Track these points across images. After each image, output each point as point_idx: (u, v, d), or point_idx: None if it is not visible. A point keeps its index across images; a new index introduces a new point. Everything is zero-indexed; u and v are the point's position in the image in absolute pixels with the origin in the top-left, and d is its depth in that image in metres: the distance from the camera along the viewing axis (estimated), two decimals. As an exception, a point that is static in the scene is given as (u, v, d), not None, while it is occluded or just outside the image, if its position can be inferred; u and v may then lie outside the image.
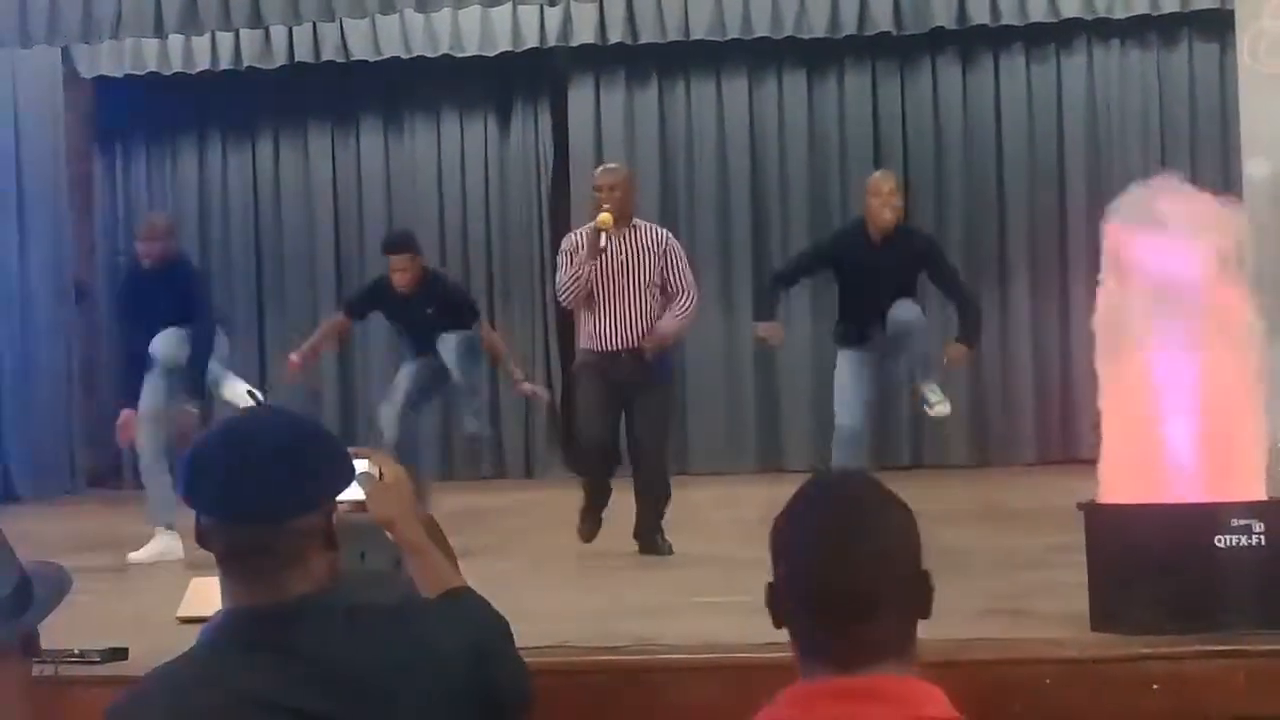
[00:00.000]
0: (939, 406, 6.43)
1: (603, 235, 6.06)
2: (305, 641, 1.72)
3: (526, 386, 7.48)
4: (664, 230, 6.55)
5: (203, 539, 1.79)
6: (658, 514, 6.23)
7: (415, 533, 2.11)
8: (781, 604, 1.58)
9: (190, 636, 1.83)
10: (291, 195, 10.50)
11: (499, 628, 1.99)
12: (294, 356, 7.17)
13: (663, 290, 6.28)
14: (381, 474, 2.10)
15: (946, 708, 1.55)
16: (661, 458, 6.34)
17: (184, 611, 4.62)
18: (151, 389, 6.54)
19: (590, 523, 6.28)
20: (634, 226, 6.27)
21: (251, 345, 10.32)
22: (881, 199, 6.36)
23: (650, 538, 6.18)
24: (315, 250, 10.45)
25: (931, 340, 6.74)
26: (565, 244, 6.40)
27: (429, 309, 6.74)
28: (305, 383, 7.90)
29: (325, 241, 10.44)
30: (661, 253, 6.26)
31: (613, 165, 6.77)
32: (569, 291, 6.24)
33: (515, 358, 7.85)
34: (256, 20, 8.57)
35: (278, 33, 9.57)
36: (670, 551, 6.12)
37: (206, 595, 4.39)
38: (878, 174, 6.86)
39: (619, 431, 6.35)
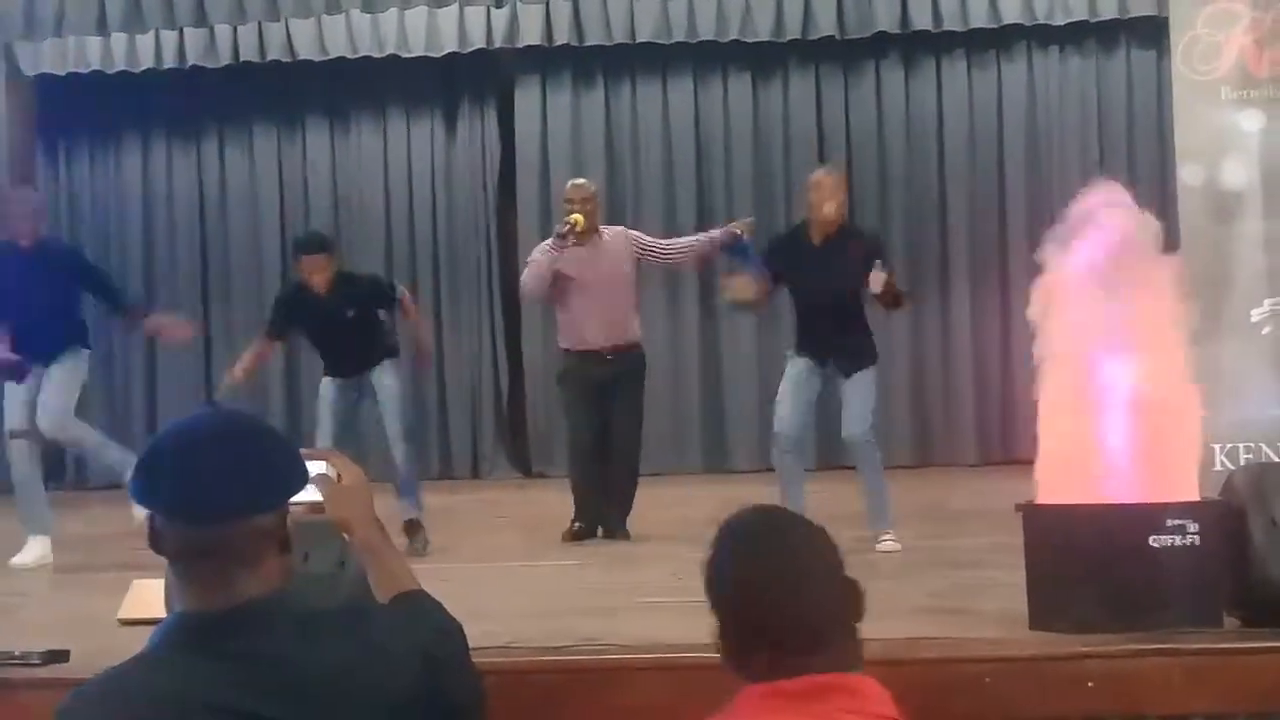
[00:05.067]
0: (888, 543, 6.15)
1: (567, 230, 6.55)
2: (257, 645, 1.73)
3: (423, 364, 7.42)
4: (619, 227, 7.12)
5: (155, 541, 1.79)
6: (628, 501, 6.70)
7: (372, 534, 2.13)
8: (735, 648, 1.62)
9: (130, 638, 1.83)
10: (237, 196, 10.45)
11: (452, 632, 2.02)
12: (226, 378, 7.01)
13: (639, 282, 6.92)
14: (340, 476, 2.12)
15: (894, 710, 1.60)
16: (637, 451, 6.84)
17: (125, 613, 4.60)
18: (21, 403, 6.41)
19: (585, 522, 6.56)
20: (601, 235, 6.77)
21: (197, 345, 10.26)
22: (821, 194, 6.28)
23: (619, 525, 6.63)
24: (261, 250, 10.40)
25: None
26: (534, 254, 6.85)
27: (349, 311, 6.61)
28: (240, 394, 7.64)
29: (271, 242, 10.39)
30: (630, 249, 6.82)
31: (581, 180, 7.10)
32: (531, 285, 6.74)
33: (427, 335, 7.86)
34: (201, 19, 8.56)
35: (222, 32, 9.52)
36: (629, 538, 6.54)
37: (147, 597, 4.37)
38: (820, 170, 6.79)
39: (605, 428, 6.70)
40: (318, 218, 10.30)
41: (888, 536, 5.96)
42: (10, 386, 6.49)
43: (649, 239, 7.08)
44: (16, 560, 6.24)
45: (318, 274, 6.57)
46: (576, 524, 6.62)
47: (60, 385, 6.42)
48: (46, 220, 7.05)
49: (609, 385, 6.67)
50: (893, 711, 1.60)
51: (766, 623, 1.60)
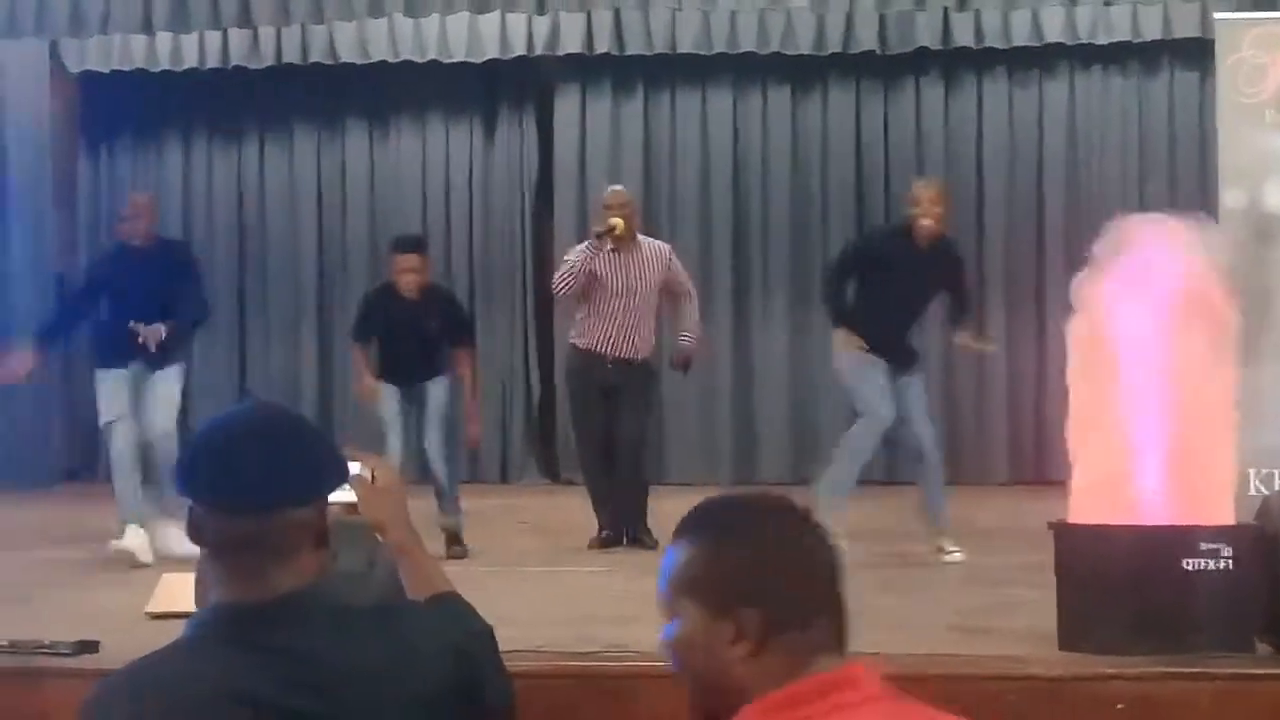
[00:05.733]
0: (954, 555, 6.26)
1: (606, 231, 6.59)
2: (292, 639, 1.74)
3: (473, 433, 7.09)
4: (664, 244, 7.13)
5: (195, 530, 1.80)
6: (641, 508, 6.65)
7: (406, 536, 2.15)
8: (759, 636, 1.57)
9: (160, 631, 1.84)
10: (276, 197, 10.51)
11: (483, 633, 2.03)
12: (359, 388, 6.98)
13: (664, 298, 6.89)
14: (374, 477, 2.13)
15: (881, 687, 1.58)
16: (640, 453, 6.80)
17: (153, 607, 4.64)
18: (125, 389, 6.51)
19: (611, 529, 6.62)
20: (637, 244, 6.79)
21: (233, 346, 10.34)
22: (921, 208, 6.42)
23: (637, 532, 6.60)
24: (299, 253, 10.46)
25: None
26: (570, 254, 6.88)
27: (433, 321, 6.64)
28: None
29: (308, 244, 10.45)
30: (665, 265, 6.83)
31: (619, 187, 7.14)
32: (565, 282, 6.73)
33: (479, 399, 7.31)
34: (246, 20, 8.60)
35: (266, 33, 9.58)
36: (655, 546, 6.35)
37: (176, 591, 4.40)
38: (919, 182, 6.93)
39: (610, 432, 6.73)
40: (355, 221, 10.35)
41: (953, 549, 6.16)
42: (113, 380, 6.53)
43: (682, 272, 6.99)
44: (116, 544, 6.26)
45: (410, 274, 6.60)
46: (604, 532, 6.63)
47: (172, 397, 6.58)
48: (158, 219, 7.14)
49: (612, 392, 6.68)
50: (878, 690, 1.57)
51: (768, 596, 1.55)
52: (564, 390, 7.76)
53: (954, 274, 6.67)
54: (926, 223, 6.33)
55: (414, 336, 6.62)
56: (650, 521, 6.61)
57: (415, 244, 6.90)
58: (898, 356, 6.38)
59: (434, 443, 6.59)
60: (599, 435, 6.73)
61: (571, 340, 6.95)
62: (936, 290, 6.69)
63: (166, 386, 6.56)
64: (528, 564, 6.24)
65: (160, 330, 6.47)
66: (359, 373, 6.90)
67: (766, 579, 1.55)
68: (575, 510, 7.18)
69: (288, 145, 10.49)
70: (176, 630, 1.83)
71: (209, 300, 7.23)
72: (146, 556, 6.17)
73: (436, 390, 6.64)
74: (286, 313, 10.39)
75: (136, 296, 6.55)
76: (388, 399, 6.67)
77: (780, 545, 1.58)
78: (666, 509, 6.94)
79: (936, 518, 6.31)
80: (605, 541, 6.61)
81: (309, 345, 10.37)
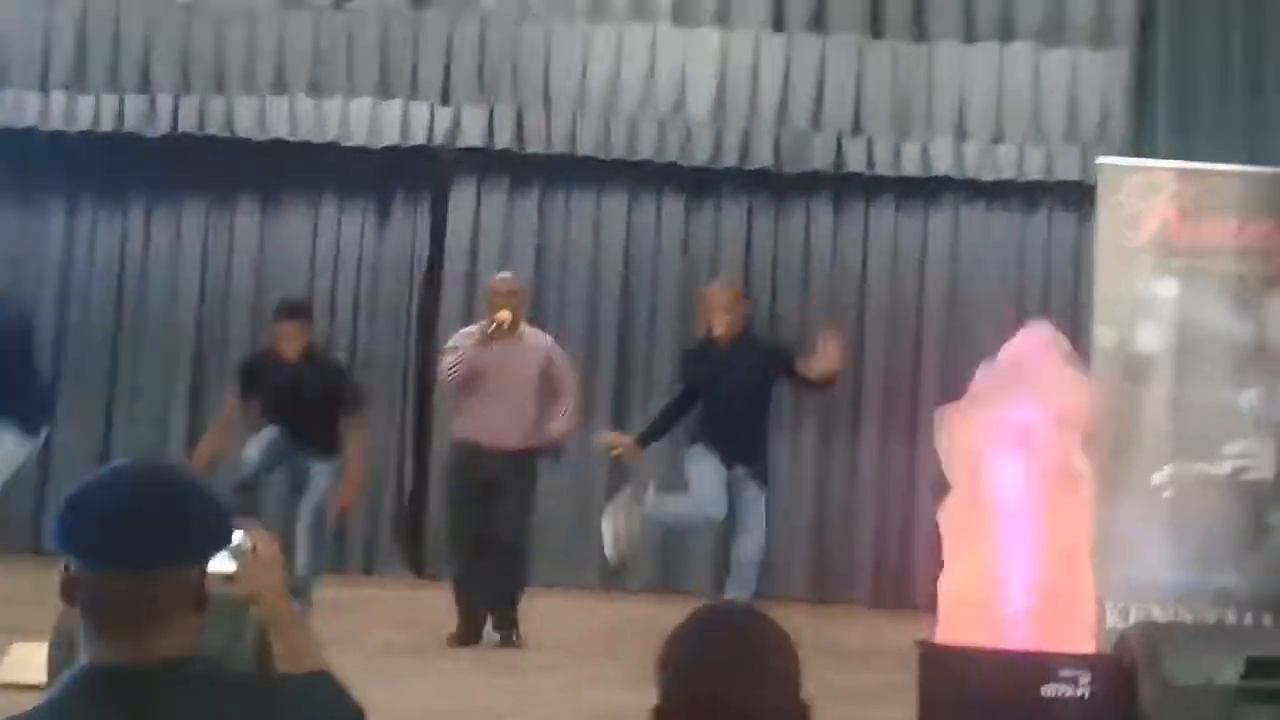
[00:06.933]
0: None
1: (495, 327, 6.62)
2: (165, 703, 1.70)
3: (345, 503, 7.11)
4: (548, 336, 7.11)
5: (68, 589, 1.75)
6: (513, 605, 6.63)
7: (283, 609, 2.11)
8: None
9: (10, 703, 1.78)
10: (158, 268, 10.33)
11: (357, 714, 2.00)
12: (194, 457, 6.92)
13: (545, 392, 6.82)
14: (255, 546, 2.10)
15: None
16: (520, 549, 6.79)
17: (3, 677, 4.48)
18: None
19: (467, 624, 6.49)
20: (521, 334, 6.81)
21: (99, 415, 10.09)
22: (713, 315, 6.59)
23: (506, 630, 6.58)
24: (176, 326, 10.26)
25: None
26: (454, 340, 6.88)
27: (312, 389, 6.59)
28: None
29: (187, 318, 10.27)
30: (545, 358, 6.83)
31: (508, 274, 7.16)
32: (454, 372, 6.73)
33: (362, 468, 7.31)
34: (145, 86, 8.54)
35: (164, 101, 9.50)
36: (521, 643, 6.48)
37: (28, 661, 4.26)
38: (712, 287, 7.08)
39: (487, 526, 6.68)
40: (238, 299, 10.22)
41: None
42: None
43: (564, 365, 7.00)
44: None
45: (290, 341, 6.56)
46: (461, 627, 6.55)
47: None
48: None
49: (495, 484, 6.63)
50: None
51: (697, 711, 1.58)
52: (440, 481, 7.71)
53: (775, 364, 6.68)
54: (718, 331, 6.52)
55: (295, 402, 6.55)
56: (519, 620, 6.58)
57: (295, 311, 6.84)
58: (738, 457, 6.46)
59: (304, 525, 6.49)
60: (474, 529, 6.67)
61: (452, 431, 6.92)
62: (758, 387, 6.68)
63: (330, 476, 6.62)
64: (390, 656, 6.13)
65: None
66: (210, 436, 6.84)
67: None
68: (439, 606, 7.09)
69: (175, 216, 10.35)
70: (23, 703, 1.76)
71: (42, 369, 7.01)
72: None
73: (319, 477, 6.56)
74: (156, 388, 10.17)
75: None
76: (264, 432, 6.65)
77: None
78: (536, 609, 6.90)
79: None
80: (467, 638, 6.53)
81: (178, 423, 10.12)
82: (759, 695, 1.58)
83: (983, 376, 4.24)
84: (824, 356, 6.54)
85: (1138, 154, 5.87)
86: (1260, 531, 5.40)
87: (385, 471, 10.13)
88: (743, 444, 6.48)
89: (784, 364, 6.69)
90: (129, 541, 1.72)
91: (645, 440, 6.96)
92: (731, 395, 6.39)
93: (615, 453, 6.85)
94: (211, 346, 10.22)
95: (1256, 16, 5.81)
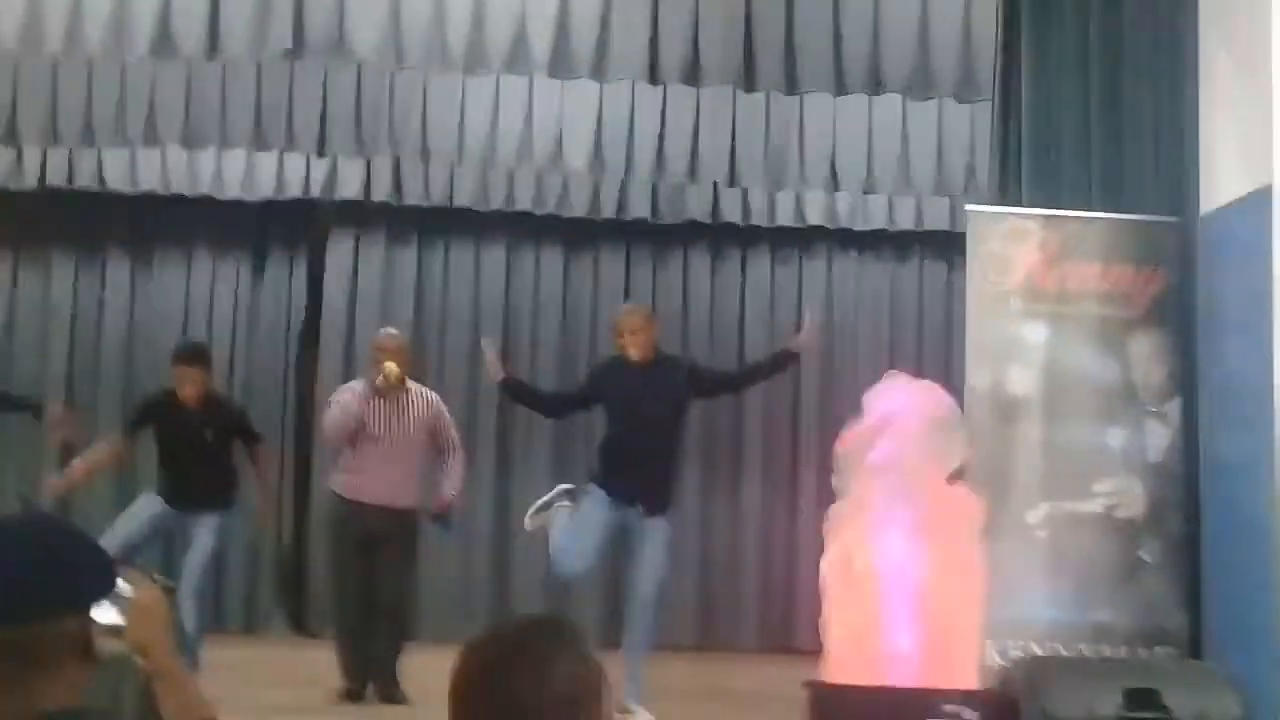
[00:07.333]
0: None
1: (381, 379, 6.51)
2: None
3: (261, 522, 7.34)
4: (434, 394, 6.95)
5: None
6: (395, 663, 6.51)
7: (169, 660, 2.07)
8: None
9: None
10: (26, 322, 10.11)
11: None
12: (60, 479, 6.87)
13: (431, 449, 6.74)
14: (138, 597, 2.06)
15: None
16: (404, 608, 6.69)
17: None
18: None
19: (352, 680, 6.39)
20: (406, 389, 6.70)
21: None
22: (624, 338, 6.51)
23: (389, 686, 6.46)
24: (45, 382, 10.03)
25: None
26: (337, 394, 6.77)
27: (208, 431, 6.51)
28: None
29: (56, 373, 10.05)
30: (432, 415, 6.73)
31: (392, 330, 7.11)
32: (335, 427, 6.61)
33: (272, 496, 7.60)
34: (11, 138, 8.37)
35: (31, 153, 9.31)
36: (406, 701, 6.35)
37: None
38: (624, 310, 7.02)
39: (370, 582, 6.56)
40: (109, 355, 10.02)
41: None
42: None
43: (450, 422, 6.88)
44: None
45: (189, 385, 6.47)
46: (347, 685, 6.48)
47: None
48: None
49: (374, 542, 6.53)
50: None
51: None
52: (321, 538, 7.60)
53: (689, 381, 6.53)
54: (632, 353, 6.44)
55: (190, 446, 6.47)
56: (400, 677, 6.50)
57: (198, 355, 6.77)
58: (641, 491, 6.24)
59: (189, 584, 6.37)
60: (356, 586, 6.58)
61: (332, 487, 6.82)
62: (680, 403, 6.48)
63: None
64: (277, 715, 6.03)
65: None
66: (83, 463, 6.75)
67: None
68: (323, 663, 6.99)
69: (44, 270, 10.15)
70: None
71: None
72: None
73: (204, 529, 6.44)
74: (25, 443, 9.91)
75: None
76: (142, 502, 6.54)
77: None
78: (419, 665, 6.81)
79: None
80: (351, 695, 6.46)
81: (49, 478, 9.88)
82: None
83: (853, 430, 4.31)
84: (810, 328, 6.91)
85: (1003, 203, 6.02)
86: (1133, 566, 5.54)
87: (264, 529, 9.97)
88: (651, 472, 6.22)
89: (700, 379, 6.64)
90: (5, 593, 1.69)
91: (514, 385, 6.82)
92: (645, 417, 6.25)
93: (489, 359, 6.62)
94: (82, 403, 9.99)
95: (1114, 65, 6.01)
